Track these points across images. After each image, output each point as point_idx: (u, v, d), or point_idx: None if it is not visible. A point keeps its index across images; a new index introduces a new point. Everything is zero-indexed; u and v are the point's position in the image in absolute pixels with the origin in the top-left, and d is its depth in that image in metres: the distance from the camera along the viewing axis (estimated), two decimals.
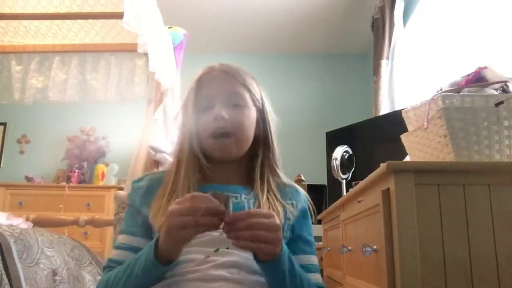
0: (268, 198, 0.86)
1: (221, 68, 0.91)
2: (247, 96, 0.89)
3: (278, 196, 0.88)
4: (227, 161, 0.89)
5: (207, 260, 0.76)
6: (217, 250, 0.77)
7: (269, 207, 0.84)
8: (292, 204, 0.89)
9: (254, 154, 0.92)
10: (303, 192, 0.96)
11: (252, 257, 0.76)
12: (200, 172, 0.88)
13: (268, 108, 0.94)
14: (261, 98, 0.93)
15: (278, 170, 0.93)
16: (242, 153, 0.89)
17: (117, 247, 0.85)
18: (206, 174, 0.89)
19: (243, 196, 0.86)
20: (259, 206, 0.84)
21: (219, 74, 0.89)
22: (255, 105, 0.91)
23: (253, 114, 0.90)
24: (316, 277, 0.87)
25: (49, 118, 4.12)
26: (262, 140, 0.92)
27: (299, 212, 0.90)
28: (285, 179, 0.94)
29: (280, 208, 0.85)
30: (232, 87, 0.89)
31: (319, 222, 2.20)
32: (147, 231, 0.85)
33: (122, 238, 0.86)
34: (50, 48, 2.89)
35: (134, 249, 0.83)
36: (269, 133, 0.93)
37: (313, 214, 0.94)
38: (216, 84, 0.88)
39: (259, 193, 0.86)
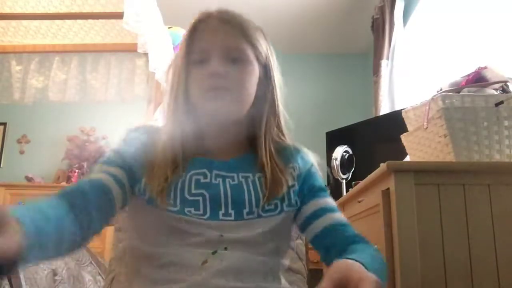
0: (271, 170, 0.75)
1: (219, 16, 0.77)
2: (248, 49, 0.76)
3: (280, 165, 0.77)
4: (223, 121, 0.76)
5: (205, 267, 0.65)
6: (215, 252, 0.67)
7: (272, 180, 0.74)
8: (293, 168, 0.79)
9: (255, 118, 0.78)
10: (302, 150, 0.84)
11: (253, 258, 0.69)
12: (196, 139, 0.75)
13: (275, 64, 0.81)
14: (267, 53, 0.80)
15: (284, 137, 0.82)
16: (241, 114, 0.76)
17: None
18: (203, 140, 0.77)
19: (240, 175, 0.75)
20: (262, 182, 0.74)
21: (217, 23, 0.76)
22: (258, 60, 0.77)
23: (255, 70, 0.77)
24: (341, 215, 0.77)
25: (49, 118, 4.11)
26: (265, 101, 0.78)
27: (303, 171, 0.80)
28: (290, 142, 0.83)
29: (283, 179, 0.75)
30: (231, 39, 0.75)
31: None
32: (126, 176, 0.72)
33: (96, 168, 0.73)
34: (50, 48, 2.89)
35: (111, 175, 0.71)
36: (275, 93, 0.79)
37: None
38: (213, 35, 0.75)
39: (265, 165, 0.75)
